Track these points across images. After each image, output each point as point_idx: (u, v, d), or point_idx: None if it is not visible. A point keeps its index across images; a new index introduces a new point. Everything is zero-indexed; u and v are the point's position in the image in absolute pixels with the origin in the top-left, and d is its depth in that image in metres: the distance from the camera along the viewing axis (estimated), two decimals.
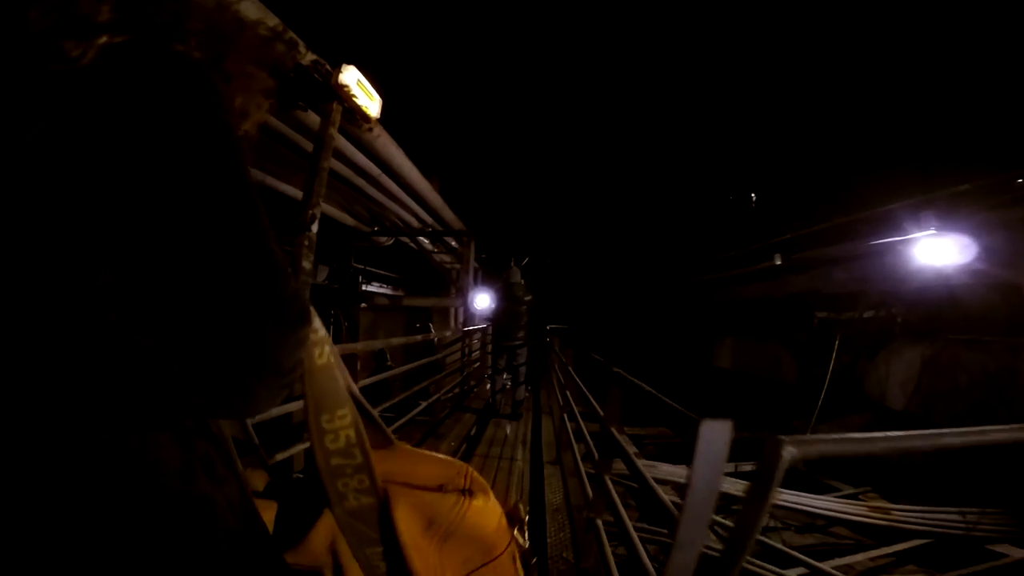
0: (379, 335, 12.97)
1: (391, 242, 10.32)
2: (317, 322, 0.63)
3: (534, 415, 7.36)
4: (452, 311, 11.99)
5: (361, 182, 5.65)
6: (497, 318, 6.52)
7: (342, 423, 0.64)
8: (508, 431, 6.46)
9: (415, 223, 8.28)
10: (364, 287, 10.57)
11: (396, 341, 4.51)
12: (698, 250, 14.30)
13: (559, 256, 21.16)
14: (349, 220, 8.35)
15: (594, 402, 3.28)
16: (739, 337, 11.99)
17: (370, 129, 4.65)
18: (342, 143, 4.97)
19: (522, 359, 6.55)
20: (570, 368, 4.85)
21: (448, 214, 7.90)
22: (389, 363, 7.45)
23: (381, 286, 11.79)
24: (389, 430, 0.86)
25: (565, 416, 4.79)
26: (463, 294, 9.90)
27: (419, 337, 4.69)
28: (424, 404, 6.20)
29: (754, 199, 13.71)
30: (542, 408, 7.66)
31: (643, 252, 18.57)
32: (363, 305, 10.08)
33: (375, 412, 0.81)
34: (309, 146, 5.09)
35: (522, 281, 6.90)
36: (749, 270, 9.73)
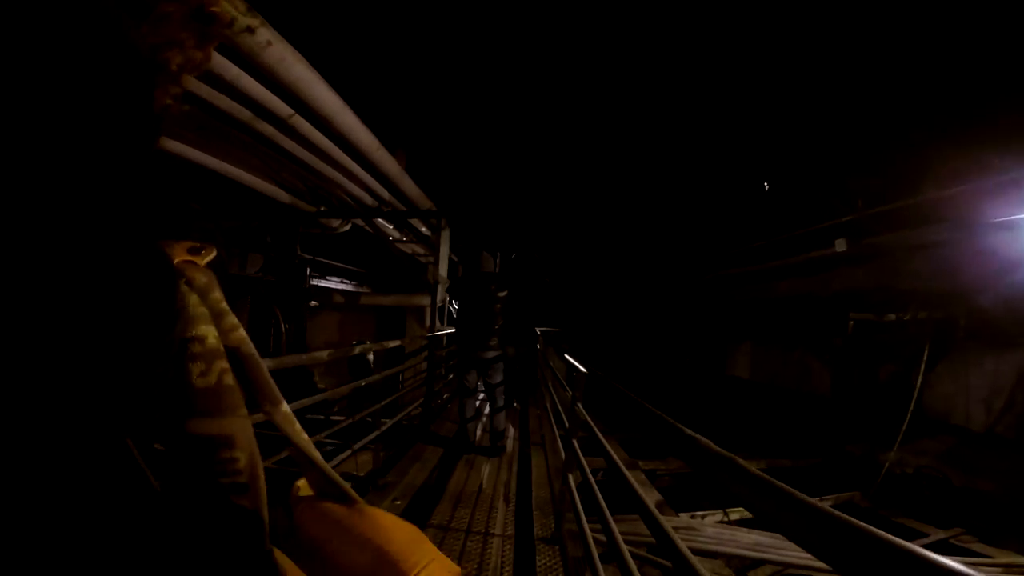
0: (347, 341, 11.21)
1: (347, 227, 8.58)
2: None
3: (520, 451, 5.68)
4: (428, 311, 10.32)
5: (267, 128, 3.93)
6: (462, 320, 4.93)
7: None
8: (484, 477, 4.78)
9: (369, 200, 6.55)
10: (315, 282, 8.79)
11: (310, 356, 2.88)
12: (711, 242, 12.70)
13: (551, 250, 19.17)
14: (283, 196, 6.60)
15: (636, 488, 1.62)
16: (759, 343, 10.48)
17: (250, 30, 2.92)
18: (220, 62, 3.23)
19: (499, 376, 5.02)
20: (580, 405, 3.09)
21: (410, 187, 6.21)
22: (319, 384, 5.78)
23: (342, 281, 10.03)
24: (347, 485, 0.67)
25: (571, 480, 3.11)
26: (437, 290, 8.18)
27: (323, 355, 3.04)
28: (384, 426, 4.56)
29: (767, 187, 12.13)
30: (531, 439, 5.98)
31: (646, 245, 16.78)
32: (313, 303, 8.34)
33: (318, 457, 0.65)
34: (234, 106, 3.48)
35: (495, 271, 5.18)
36: (791, 261, 8.09)
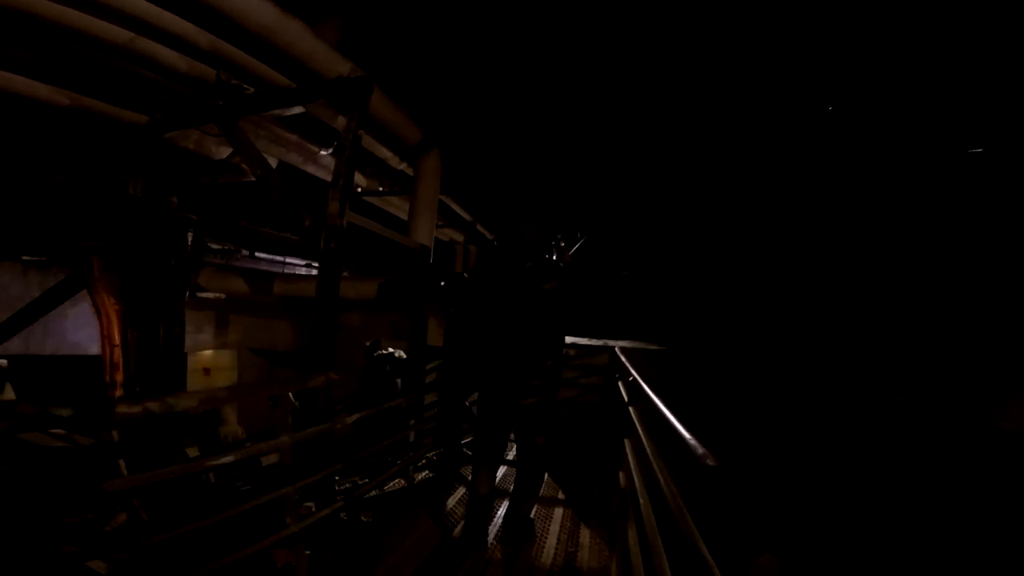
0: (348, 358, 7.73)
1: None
2: None
3: None
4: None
5: None
6: (477, 335, 2.64)
7: None
8: None
9: (172, 58, 2.86)
10: (224, 258, 5.35)
11: None
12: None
13: (634, 228, 13.16)
14: (39, 90, 3.20)
15: None
16: None
17: None
18: None
19: (543, 436, 2.70)
20: None
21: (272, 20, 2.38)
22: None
23: (309, 265, 6.59)
24: None
25: None
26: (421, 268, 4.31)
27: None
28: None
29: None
30: None
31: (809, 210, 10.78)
32: (211, 294, 4.93)
33: None
34: None
35: (534, 242, 2.62)
36: None
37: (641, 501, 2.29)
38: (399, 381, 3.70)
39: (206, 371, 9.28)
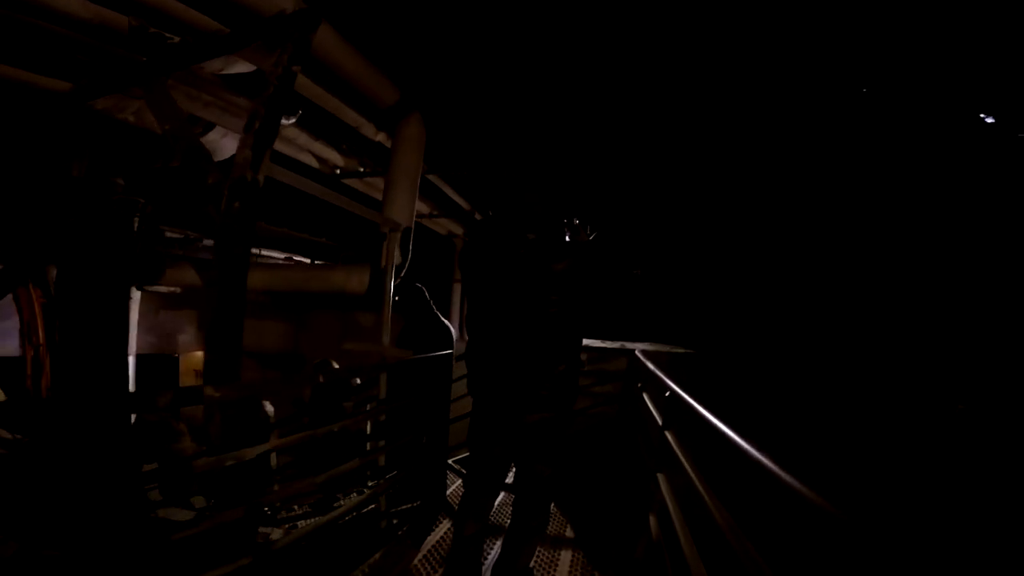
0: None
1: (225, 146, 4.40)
2: None
3: None
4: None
5: None
6: (475, 329, 2.10)
7: None
8: None
9: (85, 14, 2.21)
10: (184, 248, 4.70)
11: None
12: None
13: (647, 222, 11.89)
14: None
15: None
16: None
17: None
18: None
19: (553, 460, 2.11)
20: None
21: None
22: None
23: (288, 258, 5.94)
24: None
25: None
26: (385, 251, 3.60)
27: None
28: None
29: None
30: None
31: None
32: (168, 289, 4.27)
33: None
34: None
35: (538, 209, 1.99)
36: None
37: (690, 564, 1.56)
38: (349, 404, 3.02)
39: (198, 374, 8.65)
